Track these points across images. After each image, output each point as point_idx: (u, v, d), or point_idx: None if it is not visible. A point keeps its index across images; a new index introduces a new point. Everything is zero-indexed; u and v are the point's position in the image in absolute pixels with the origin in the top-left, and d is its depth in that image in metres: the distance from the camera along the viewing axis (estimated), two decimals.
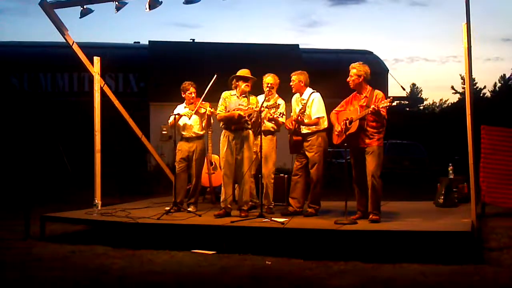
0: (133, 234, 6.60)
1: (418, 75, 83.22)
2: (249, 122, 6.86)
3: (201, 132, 7.68)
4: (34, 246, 6.31)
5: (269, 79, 7.28)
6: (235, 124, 6.82)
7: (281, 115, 7.11)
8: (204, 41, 24.29)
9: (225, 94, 7.02)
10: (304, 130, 6.94)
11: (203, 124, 7.62)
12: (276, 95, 7.35)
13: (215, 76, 7.28)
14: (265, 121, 7.09)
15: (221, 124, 7.00)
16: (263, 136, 7.12)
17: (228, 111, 6.87)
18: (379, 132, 6.25)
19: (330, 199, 7.72)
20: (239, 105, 6.85)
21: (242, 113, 6.74)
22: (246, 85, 6.90)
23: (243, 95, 6.92)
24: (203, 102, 7.48)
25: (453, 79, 77.76)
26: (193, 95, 7.64)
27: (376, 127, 6.23)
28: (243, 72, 6.98)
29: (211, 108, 7.35)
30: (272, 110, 6.91)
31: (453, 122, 22.86)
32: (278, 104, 7.04)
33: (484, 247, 5.79)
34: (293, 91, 7.14)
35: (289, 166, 7.55)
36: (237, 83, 6.94)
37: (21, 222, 6.95)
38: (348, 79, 6.40)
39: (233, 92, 6.99)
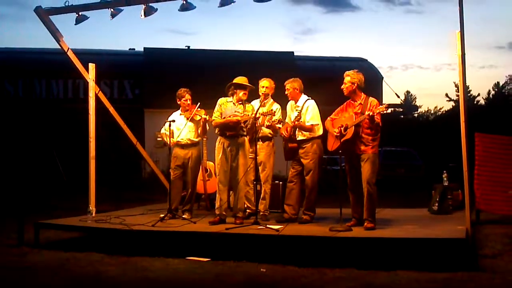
0: (127, 241, 6.58)
1: (412, 82, 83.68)
2: (245, 129, 6.87)
3: (197, 139, 7.69)
4: (28, 253, 6.28)
5: (264, 82, 7.29)
6: (231, 131, 6.83)
7: (279, 122, 7.08)
8: (199, 48, 24.29)
9: (221, 100, 7.02)
10: (299, 137, 6.95)
11: (199, 131, 7.62)
12: (271, 100, 7.37)
13: (198, 104, 7.44)
14: (262, 127, 7.10)
15: (216, 131, 7.00)
16: (260, 142, 7.16)
17: (224, 118, 6.89)
18: (374, 139, 6.27)
19: (325, 206, 7.72)
20: (235, 111, 6.86)
21: (239, 119, 6.75)
22: (243, 93, 6.92)
23: (239, 102, 6.94)
24: (199, 109, 7.49)
25: (447, 86, 77.98)
26: (189, 102, 7.65)
27: (371, 134, 6.25)
28: (241, 79, 6.99)
29: (206, 115, 7.37)
30: (268, 117, 6.91)
31: (448, 129, 22.94)
32: (274, 111, 7.05)
33: (479, 254, 5.81)
34: (289, 99, 7.16)
35: (284, 173, 7.56)
36: (234, 91, 6.95)
37: (15, 229, 6.92)
38: (342, 87, 6.44)
39: (230, 99, 7.00)
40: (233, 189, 7.00)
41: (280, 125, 7.12)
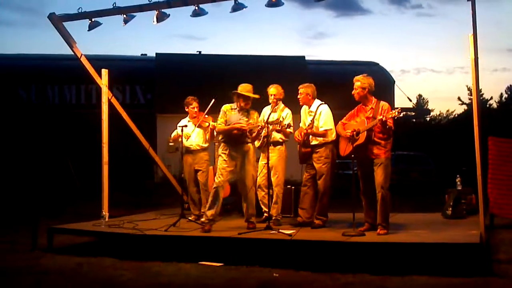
0: (140, 246, 6.60)
1: (424, 86, 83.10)
2: (250, 137, 6.88)
3: (206, 145, 7.78)
4: (42, 258, 6.32)
5: (272, 90, 7.32)
6: (235, 139, 6.80)
7: (288, 126, 7.09)
8: (211, 53, 24.39)
9: (225, 107, 6.98)
10: (313, 142, 6.97)
11: (207, 137, 7.70)
12: (282, 105, 7.38)
13: (213, 100, 7.45)
14: (273, 132, 7.10)
15: (220, 137, 7.01)
16: (272, 147, 7.20)
17: (228, 125, 6.85)
18: (387, 144, 6.23)
19: (337, 211, 7.69)
20: (239, 119, 6.85)
21: (245, 127, 6.75)
22: (246, 103, 6.88)
23: (244, 110, 6.92)
24: (206, 116, 7.56)
25: (460, 90, 77.55)
26: (196, 109, 7.74)
27: (384, 138, 6.21)
28: (245, 88, 6.89)
29: (214, 122, 7.37)
30: (274, 118, 6.97)
31: (460, 133, 22.78)
32: (280, 120, 7.07)
33: (493, 259, 5.75)
34: (300, 103, 7.17)
35: (296, 177, 7.57)
36: (238, 99, 6.91)
37: (29, 234, 6.97)
38: (353, 92, 6.40)
39: (234, 105, 6.97)
40: (243, 196, 7.00)
41: (290, 130, 7.13)
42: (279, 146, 7.33)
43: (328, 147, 6.92)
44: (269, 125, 6.86)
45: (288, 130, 7.10)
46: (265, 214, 7.25)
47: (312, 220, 7.02)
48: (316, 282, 5.07)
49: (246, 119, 6.86)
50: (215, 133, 7.66)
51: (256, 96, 6.95)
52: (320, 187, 6.90)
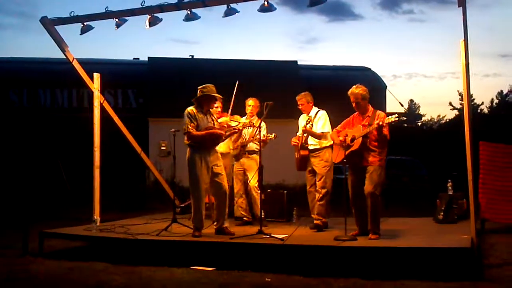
0: (132, 250, 6.58)
1: (416, 91, 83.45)
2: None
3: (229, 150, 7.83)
4: (32, 263, 6.27)
5: (251, 102, 7.66)
6: (211, 144, 6.74)
7: (274, 136, 7.33)
8: (203, 57, 24.31)
9: (192, 111, 6.72)
10: (311, 146, 7.05)
11: (232, 138, 7.68)
12: (257, 118, 7.55)
13: (237, 82, 7.57)
14: (250, 143, 7.50)
15: (188, 142, 6.75)
16: (247, 155, 7.64)
17: (202, 130, 6.68)
18: (382, 152, 6.25)
19: (329, 215, 7.69)
20: (209, 123, 6.79)
21: (223, 131, 6.81)
22: (214, 104, 7.00)
23: (207, 112, 6.86)
24: (232, 116, 7.59)
25: (451, 95, 77.93)
26: (219, 109, 7.69)
27: (379, 146, 6.22)
28: (213, 89, 6.83)
29: (240, 122, 7.36)
30: (251, 129, 7.33)
31: (452, 138, 22.84)
32: (253, 122, 7.32)
33: (484, 264, 5.77)
34: (303, 112, 7.34)
35: (289, 182, 7.59)
36: (208, 101, 6.83)
37: (20, 238, 6.92)
38: (354, 105, 6.38)
39: (196, 108, 6.77)
40: (221, 200, 6.83)
41: (271, 136, 7.35)
42: (254, 155, 7.54)
43: (327, 151, 7.07)
44: (243, 128, 7.29)
45: (268, 139, 7.33)
46: (245, 219, 7.70)
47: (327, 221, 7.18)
48: (308, 287, 5.06)
49: (211, 121, 6.83)
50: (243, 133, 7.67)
51: (221, 97, 7.13)
52: (319, 188, 7.03)
